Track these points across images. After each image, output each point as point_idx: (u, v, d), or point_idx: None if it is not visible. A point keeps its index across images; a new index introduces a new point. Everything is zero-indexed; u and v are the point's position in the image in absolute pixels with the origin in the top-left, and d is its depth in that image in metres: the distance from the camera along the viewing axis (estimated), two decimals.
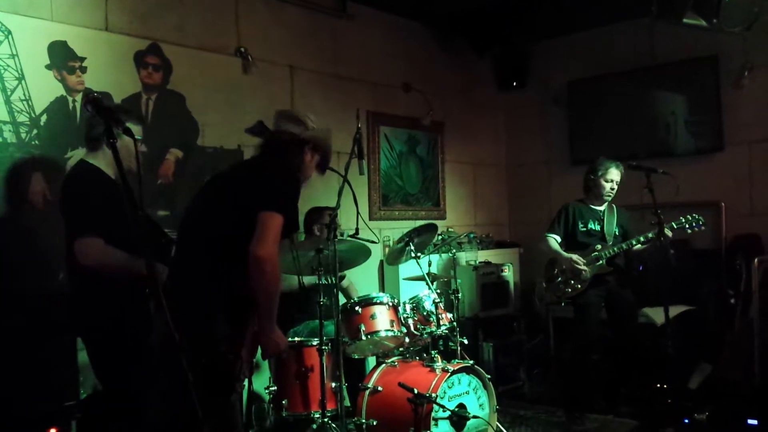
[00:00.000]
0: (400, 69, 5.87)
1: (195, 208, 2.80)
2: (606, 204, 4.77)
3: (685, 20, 4.46)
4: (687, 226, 4.46)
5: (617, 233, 4.72)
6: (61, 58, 3.72)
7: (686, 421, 4.02)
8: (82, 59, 3.80)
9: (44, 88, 3.65)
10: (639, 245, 4.57)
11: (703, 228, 4.48)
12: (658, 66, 5.94)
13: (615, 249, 4.60)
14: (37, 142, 3.60)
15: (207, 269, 2.56)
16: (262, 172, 2.71)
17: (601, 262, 4.60)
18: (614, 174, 4.65)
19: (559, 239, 4.77)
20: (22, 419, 3.10)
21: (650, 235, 4.42)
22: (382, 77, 5.72)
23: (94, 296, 2.88)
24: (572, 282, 4.66)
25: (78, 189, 2.94)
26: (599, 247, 4.64)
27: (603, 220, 4.73)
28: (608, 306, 4.75)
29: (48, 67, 3.67)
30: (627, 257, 4.83)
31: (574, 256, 4.64)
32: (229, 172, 2.93)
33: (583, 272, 4.59)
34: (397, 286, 5.31)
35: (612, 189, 4.67)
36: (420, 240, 4.36)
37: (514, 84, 6.63)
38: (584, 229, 4.73)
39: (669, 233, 4.32)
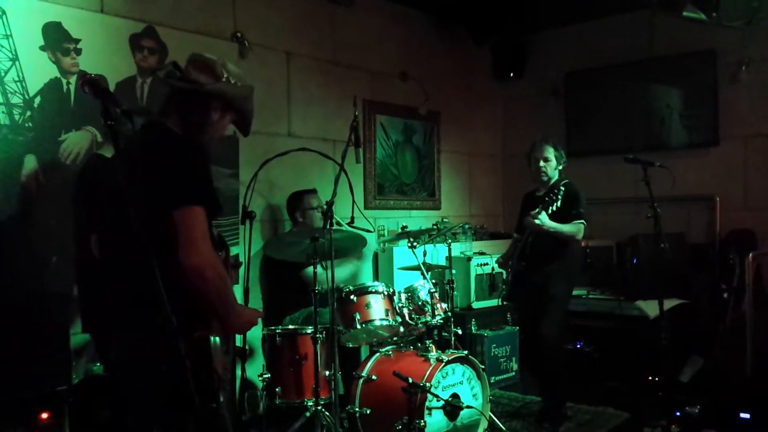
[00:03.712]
0: (397, 57, 5.84)
1: (106, 209, 2.28)
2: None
3: (684, 13, 4.46)
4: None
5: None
6: (56, 39, 3.67)
7: (678, 414, 4.03)
8: (77, 41, 3.75)
9: (38, 70, 3.59)
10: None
11: None
12: (656, 59, 5.93)
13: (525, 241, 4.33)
14: (30, 124, 3.55)
15: (141, 287, 1.98)
16: (157, 154, 2.13)
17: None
18: (540, 150, 4.36)
19: (516, 235, 4.62)
20: (14, 403, 3.08)
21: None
22: (379, 65, 5.69)
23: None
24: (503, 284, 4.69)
25: (94, 182, 2.85)
26: (516, 236, 4.56)
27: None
28: None
29: (42, 48, 3.62)
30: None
31: (500, 257, 4.67)
32: (123, 160, 2.09)
33: (506, 272, 4.54)
34: (391, 276, 5.30)
35: (541, 167, 4.35)
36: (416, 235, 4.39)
37: (512, 75, 6.64)
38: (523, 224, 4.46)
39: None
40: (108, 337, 2.34)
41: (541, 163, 4.36)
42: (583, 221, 4.21)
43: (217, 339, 2.15)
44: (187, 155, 2.16)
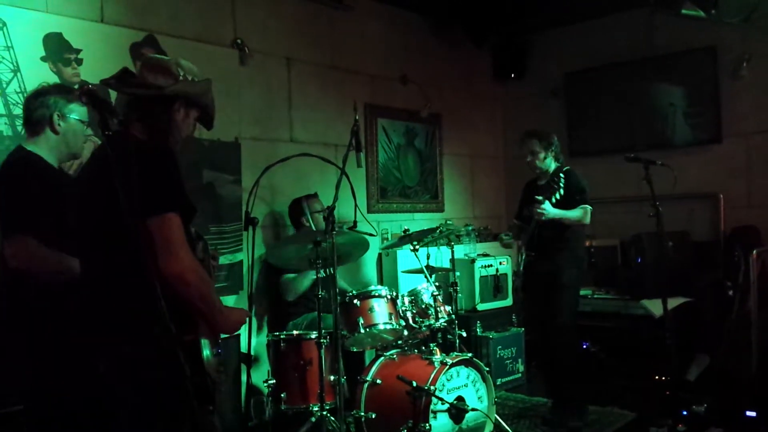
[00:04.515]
0: (397, 61, 5.85)
1: (81, 221, 2.24)
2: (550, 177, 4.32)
3: (683, 11, 4.47)
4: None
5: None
6: (57, 50, 3.69)
7: (684, 413, 4.02)
8: (78, 51, 3.77)
9: (40, 81, 3.58)
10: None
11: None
12: (656, 57, 5.92)
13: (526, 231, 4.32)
14: None
15: (133, 296, 2.04)
16: (125, 163, 1.97)
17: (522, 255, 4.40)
18: (527, 144, 4.39)
19: (517, 222, 4.66)
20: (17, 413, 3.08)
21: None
22: (379, 69, 5.70)
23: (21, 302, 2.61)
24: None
25: (13, 180, 2.62)
26: (516, 222, 4.62)
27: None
28: None
29: (43, 59, 3.64)
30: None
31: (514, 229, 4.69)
32: (90, 173, 2.23)
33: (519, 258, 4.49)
34: (395, 279, 5.30)
35: (531, 159, 4.38)
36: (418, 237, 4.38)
37: (512, 75, 6.65)
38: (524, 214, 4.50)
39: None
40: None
41: (529, 158, 4.39)
42: (588, 205, 4.21)
43: (207, 342, 2.16)
44: (156, 161, 2.10)
